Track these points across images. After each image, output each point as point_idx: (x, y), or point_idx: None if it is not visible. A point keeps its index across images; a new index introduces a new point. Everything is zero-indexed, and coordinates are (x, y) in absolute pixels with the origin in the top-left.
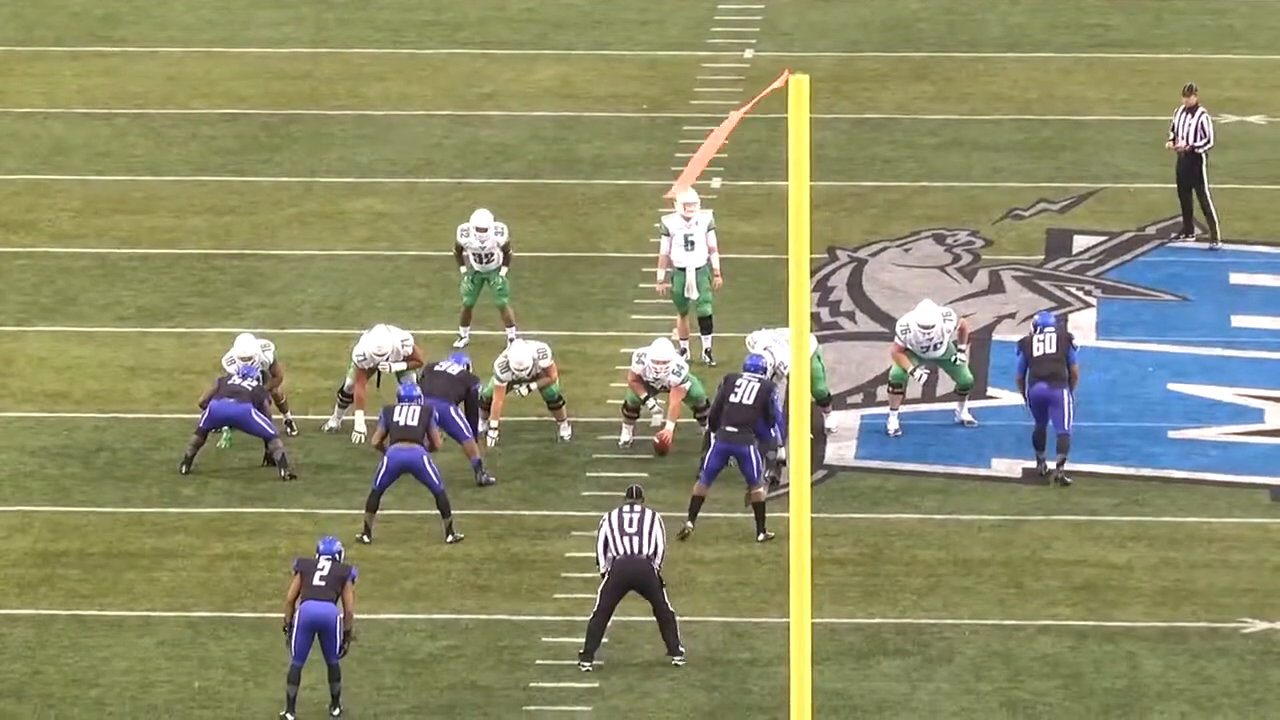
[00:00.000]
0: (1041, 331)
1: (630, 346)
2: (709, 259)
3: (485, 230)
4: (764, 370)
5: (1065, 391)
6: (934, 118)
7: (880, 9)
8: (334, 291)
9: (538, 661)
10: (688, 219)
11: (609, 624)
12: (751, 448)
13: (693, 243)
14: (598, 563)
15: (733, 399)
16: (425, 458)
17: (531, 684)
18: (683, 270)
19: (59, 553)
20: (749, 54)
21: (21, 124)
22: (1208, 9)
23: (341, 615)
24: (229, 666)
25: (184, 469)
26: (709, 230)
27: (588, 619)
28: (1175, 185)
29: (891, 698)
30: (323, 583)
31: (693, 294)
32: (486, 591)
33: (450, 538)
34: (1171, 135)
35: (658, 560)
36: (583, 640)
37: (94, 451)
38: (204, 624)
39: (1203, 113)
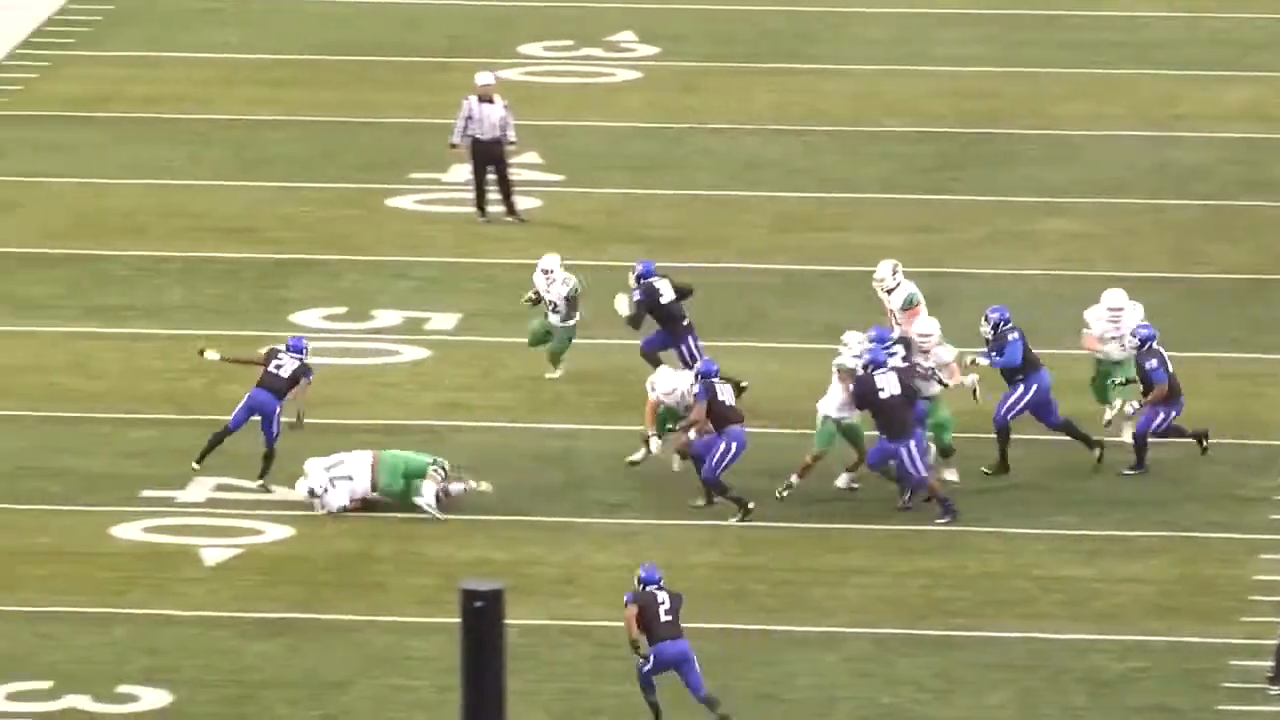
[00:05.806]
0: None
1: None
2: None
3: (550, 273)
4: None
5: None
6: None
7: None
8: (1024, 312)
9: (1224, 685)
10: None
11: None
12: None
13: None
14: None
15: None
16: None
17: (1218, 707)
18: None
19: (747, 567)
20: None
21: (715, 139)
22: None
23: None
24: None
25: (196, 465)
26: None
27: (1275, 642)
28: None
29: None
30: (669, 618)
31: None
32: (1174, 613)
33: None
34: None
35: None
36: (1272, 664)
37: None
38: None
39: None
